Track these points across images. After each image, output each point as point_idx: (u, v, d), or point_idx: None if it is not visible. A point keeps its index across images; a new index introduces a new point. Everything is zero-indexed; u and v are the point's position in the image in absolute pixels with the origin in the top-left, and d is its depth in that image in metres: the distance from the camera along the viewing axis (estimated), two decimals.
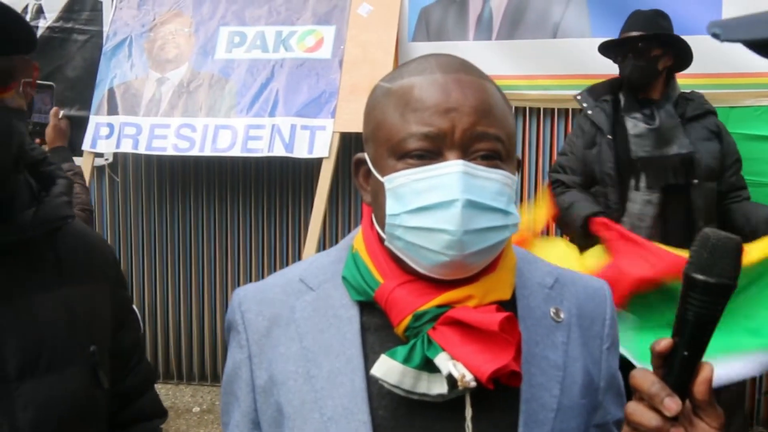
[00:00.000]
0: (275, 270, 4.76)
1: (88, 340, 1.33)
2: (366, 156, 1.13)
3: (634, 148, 3.27)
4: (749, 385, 3.99)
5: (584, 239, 3.20)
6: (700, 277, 0.90)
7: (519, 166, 1.14)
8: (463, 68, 1.08)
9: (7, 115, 1.21)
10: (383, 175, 1.07)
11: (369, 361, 1.09)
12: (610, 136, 3.34)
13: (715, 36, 0.94)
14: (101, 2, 5.03)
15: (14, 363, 1.22)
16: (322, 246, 4.61)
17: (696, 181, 3.20)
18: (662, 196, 3.24)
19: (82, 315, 1.33)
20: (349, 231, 4.98)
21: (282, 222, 4.90)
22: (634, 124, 3.30)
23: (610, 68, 3.56)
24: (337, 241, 5.09)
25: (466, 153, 1.03)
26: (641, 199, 3.28)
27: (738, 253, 0.91)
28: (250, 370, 1.16)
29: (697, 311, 0.91)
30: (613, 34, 3.54)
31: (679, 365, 0.92)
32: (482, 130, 1.03)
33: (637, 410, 0.93)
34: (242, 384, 1.17)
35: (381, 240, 1.11)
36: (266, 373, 1.15)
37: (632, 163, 3.28)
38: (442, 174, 1.01)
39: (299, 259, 4.61)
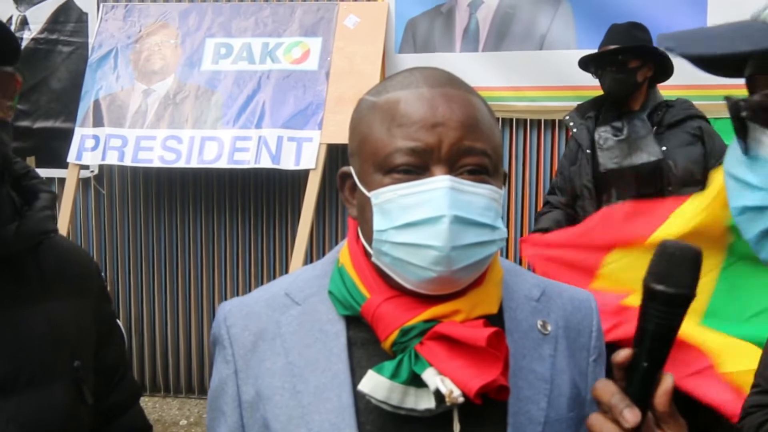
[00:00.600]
0: (263, 282, 4.74)
1: (72, 355, 1.32)
2: (351, 170, 1.12)
3: (603, 160, 3.33)
4: None
5: None
6: (658, 287, 0.89)
7: (506, 180, 1.14)
8: (450, 82, 1.08)
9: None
10: (369, 189, 1.06)
11: (356, 376, 1.08)
12: (588, 151, 3.39)
13: (669, 50, 0.93)
14: (87, 14, 5.02)
15: None
16: (309, 258, 4.59)
17: (670, 188, 3.21)
18: None
19: (65, 330, 1.32)
20: (337, 243, 4.97)
21: (269, 234, 4.88)
22: (604, 138, 3.35)
23: (595, 80, 3.58)
24: (324, 253, 5.06)
25: (453, 168, 1.02)
26: None
27: (696, 262, 0.90)
28: (236, 386, 1.16)
29: (656, 321, 0.90)
30: (598, 46, 3.57)
31: (640, 376, 0.91)
32: (469, 145, 1.03)
33: (597, 422, 0.92)
34: (228, 399, 1.16)
35: (367, 254, 1.11)
36: (252, 388, 1.14)
37: (603, 175, 3.34)
38: (428, 190, 1.01)
39: (286, 271, 4.59)
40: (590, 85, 3.61)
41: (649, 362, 0.91)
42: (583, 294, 1.24)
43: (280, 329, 1.15)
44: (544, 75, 4.28)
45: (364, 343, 1.11)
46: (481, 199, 1.03)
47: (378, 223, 1.04)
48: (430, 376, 1.01)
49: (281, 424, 1.10)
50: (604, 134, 3.36)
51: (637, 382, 0.91)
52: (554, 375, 1.13)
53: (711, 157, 3.27)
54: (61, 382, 1.29)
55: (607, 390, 0.91)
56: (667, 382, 0.91)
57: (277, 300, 1.18)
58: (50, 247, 1.35)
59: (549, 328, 1.15)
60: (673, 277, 0.89)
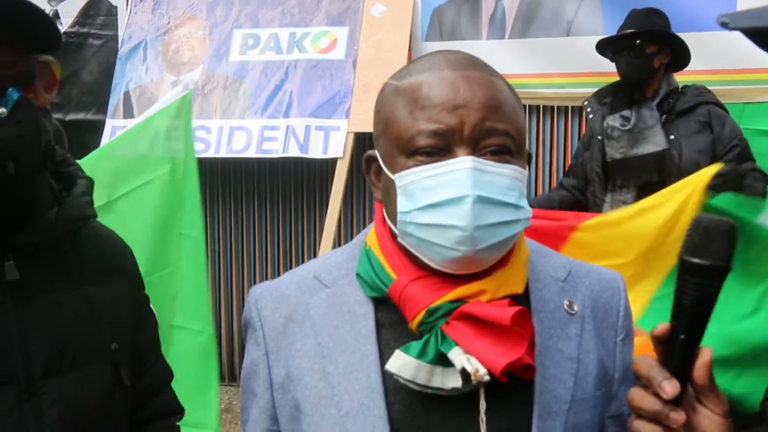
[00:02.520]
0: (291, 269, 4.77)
1: (110, 338, 1.35)
2: (377, 153, 1.14)
3: (609, 150, 3.33)
4: None
5: None
6: (693, 260, 0.91)
7: (530, 161, 1.15)
8: (472, 64, 1.09)
9: (35, 112, 1.23)
10: (394, 172, 1.07)
11: (384, 356, 1.10)
12: (600, 137, 3.39)
13: (724, 25, 0.94)
14: (116, 7, 5.08)
15: (40, 362, 1.25)
16: (337, 245, 4.61)
17: (673, 178, 3.18)
18: (639, 194, 3.24)
19: (103, 313, 1.36)
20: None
21: (297, 222, 4.92)
22: (612, 127, 3.35)
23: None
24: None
25: (476, 149, 1.04)
26: (616, 199, 3.34)
27: (731, 235, 0.91)
28: (267, 367, 1.18)
29: (692, 294, 0.91)
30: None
31: (678, 349, 0.92)
32: (491, 126, 1.04)
33: (637, 395, 0.93)
34: (260, 381, 1.19)
35: (393, 236, 1.13)
36: (283, 369, 1.16)
37: (610, 164, 3.35)
38: (451, 170, 1.02)
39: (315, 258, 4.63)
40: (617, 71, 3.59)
41: (686, 335, 0.92)
42: (610, 273, 1.24)
43: (309, 311, 1.16)
44: (571, 61, 4.26)
45: (392, 324, 1.12)
46: (504, 179, 1.04)
47: (402, 204, 1.06)
48: (456, 355, 1.03)
49: (311, 404, 1.12)
50: (612, 123, 3.35)
51: (676, 355, 0.92)
52: (581, 354, 1.13)
53: (718, 143, 3.24)
54: (99, 365, 1.33)
55: (646, 363, 0.93)
56: (705, 355, 0.92)
57: (306, 283, 1.20)
58: (88, 233, 1.39)
59: (576, 308, 1.16)
60: (709, 250, 0.90)
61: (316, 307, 1.17)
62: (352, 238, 4.81)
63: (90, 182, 1.39)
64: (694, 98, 3.32)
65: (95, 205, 1.35)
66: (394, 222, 1.09)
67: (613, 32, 3.56)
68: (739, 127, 3.31)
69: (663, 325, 0.93)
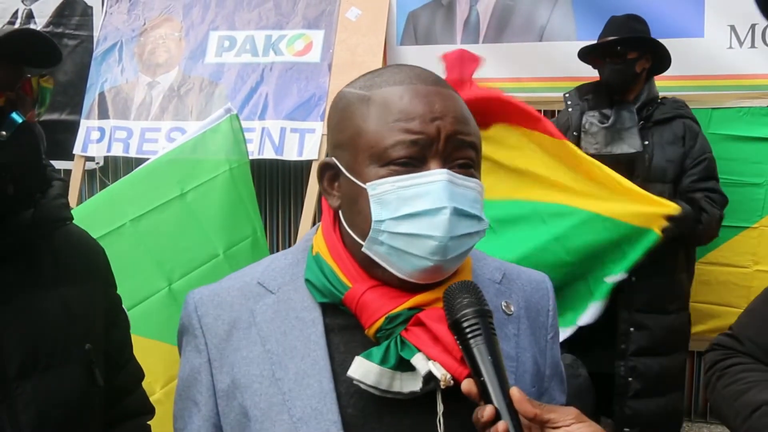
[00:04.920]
0: None
1: (84, 339, 1.36)
2: (336, 161, 1.15)
3: (584, 144, 3.37)
4: (687, 380, 3.99)
5: None
6: (451, 320, 1.05)
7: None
8: (438, 80, 1.14)
9: (37, 137, 1.26)
10: (364, 181, 1.09)
11: (335, 361, 1.12)
12: (576, 133, 3.43)
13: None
14: (91, 7, 5.05)
15: (15, 362, 1.25)
16: None
17: (638, 179, 3.25)
18: None
19: (78, 314, 1.36)
20: None
21: (272, 223, 4.92)
22: (590, 123, 3.39)
23: (594, 71, 3.61)
24: None
25: (447, 161, 1.07)
26: None
27: (464, 289, 1.06)
28: (210, 375, 1.17)
29: (464, 345, 1.03)
30: (598, 37, 3.60)
31: (481, 386, 1.01)
32: (462, 139, 1.08)
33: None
34: (202, 389, 1.18)
35: (346, 244, 1.14)
36: (228, 377, 1.15)
37: None
38: (428, 182, 1.05)
39: None
40: (590, 75, 3.64)
41: (477, 375, 1.02)
42: (539, 275, 1.31)
43: (254, 318, 1.16)
44: (544, 66, 4.30)
45: (342, 328, 1.14)
46: (471, 191, 1.08)
47: (376, 213, 1.07)
48: (419, 360, 1.06)
49: (261, 411, 1.12)
50: (591, 119, 3.40)
51: (484, 391, 1.02)
52: (519, 353, 1.18)
53: (689, 157, 3.32)
54: (74, 365, 1.33)
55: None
56: (515, 395, 1.01)
57: (249, 289, 1.19)
58: (62, 234, 1.39)
59: (512, 308, 1.21)
60: (451, 310, 1.06)
61: (262, 314, 1.17)
62: None
63: (64, 183, 1.40)
64: (672, 110, 3.39)
65: (169, 198, 1.36)
66: (360, 231, 1.10)
67: (586, 38, 3.62)
68: (709, 145, 3.39)
69: (467, 385, 1.03)
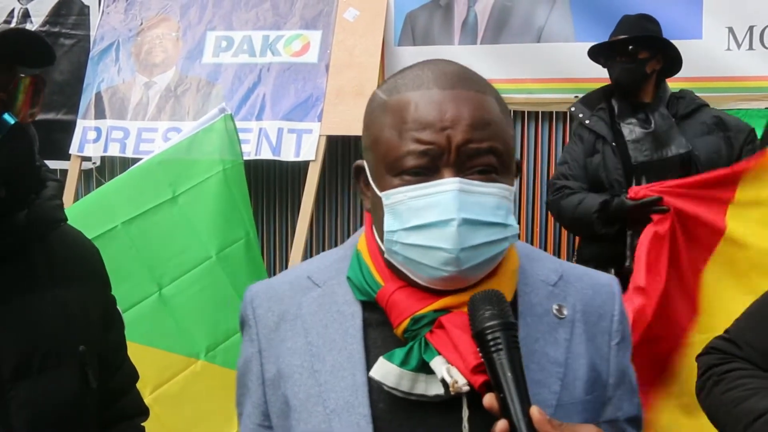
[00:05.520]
0: None
1: (79, 341, 1.35)
2: (365, 164, 1.15)
3: (633, 153, 3.29)
4: None
5: (601, 227, 3.19)
6: (475, 330, 1.02)
7: (519, 170, 1.16)
8: (461, 81, 1.09)
9: (30, 139, 1.25)
10: (381, 189, 1.09)
11: (371, 355, 1.12)
12: (614, 144, 3.35)
13: None
14: (88, 6, 5.04)
15: (9, 364, 1.25)
16: (309, 248, 4.63)
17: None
18: None
19: (72, 316, 1.36)
20: (337, 233, 5.00)
21: (269, 225, 4.91)
22: (630, 130, 3.32)
23: (593, 72, 3.60)
24: (324, 244, 5.07)
25: (462, 169, 1.05)
26: None
27: (487, 299, 1.04)
28: (260, 364, 1.21)
29: (487, 357, 1.01)
30: (596, 39, 3.58)
31: (502, 402, 0.99)
32: (476, 147, 1.05)
33: None
34: (253, 377, 1.22)
35: (380, 248, 1.14)
36: (274, 366, 1.18)
37: (634, 168, 3.30)
38: (437, 192, 1.04)
39: (286, 262, 4.63)
40: (588, 77, 3.64)
41: (499, 391, 1.00)
42: (605, 278, 1.25)
43: (300, 310, 1.19)
44: (542, 67, 4.30)
45: (379, 324, 1.14)
46: (490, 198, 1.05)
47: (389, 224, 1.07)
48: (437, 364, 1.05)
49: (299, 401, 1.14)
50: (631, 126, 3.33)
51: (505, 407, 0.99)
52: (569, 359, 1.14)
53: (734, 139, 3.25)
54: (68, 368, 1.33)
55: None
56: (535, 415, 0.98)
57: (299, 282, 1.22)
58: (58, 235, 1.38)
59: (565, 312, 1.17)
60: (475, 320, 1.03)
61: (307, 306, 1.19)
62: (324, 241, 4.84)
63: (59, 184, 1.39)
64: (692, 102, 3.36)
65: (161, 201, 1.34)
66: (381, 238, 1.11)
67: (584, 39, 3.61)
68: (739, 119, 3.33)
69: (489, 400, 1.00)
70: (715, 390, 1.59)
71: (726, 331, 1.67)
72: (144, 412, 1.59)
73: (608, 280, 1.25)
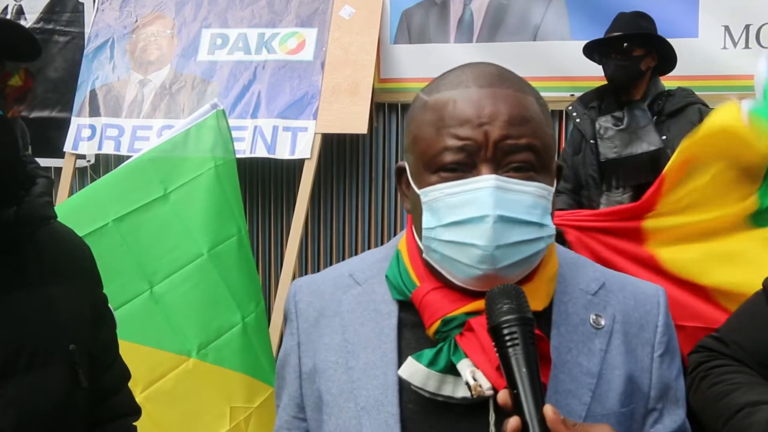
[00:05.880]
0: (258, 269, 4.76)
1: (68, 339, 1.34)
2: (406, 165, 1.16)
3: (603, 150, 3.36)
4: None
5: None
6: (491, 324, 0.99)
7: (561, 173, 1.15)
8: (500, 81, 1.10)
9: (14, 134, 1.25)
10: (420, 187, 1.09)
11: (404, 355, 1.12)
12: (592, 141, 3.41)
13: None
14: (83, 3, 5.03)
15: None
16: (303, 246, 4.62)
17: None
18: (635, 195, 3.26)
19: (63, 314, 1.35)
20: (332, 231, 5.00)
21: (264, 222, 4.91)
22: (604, 128, 3.38)
23: (589, 70, 3.60)
24: (318, 242, 5.06)
25: (500, 166, 1.05)
26: (611, 200, 3.36)
27: (505, 293, 1.00)
28: (298, 357, 1.23)
29: (499, 353, 0.98)
30: (592, 37, 3.58)
31: (515, 399, 0.96)
32: (513, 143, 1.05)
33: None
34: (290, 370, 1.24)
35: (418, 248, 1.14)
36: (311, 361, 1.20)
37: (604, 164, 3.37)
38: (474, 189, 1.04)
39: (281, 259, 4.62)
40: (583, 75, 3.64)
41: (512, 388, 0.97)
42: (651, 288, 1.22)
43: (340, 307, 1.20)
44: (538, 66, 4.29)
45: (415, 325, 1.14)
46: (527, 197, 1.05)
47: (427, 221, 1.07)
48: (463, 367, 1.04)
49: (332, 396, 1.16)
50: (604, 124, 3.38)
51: (517, 404, 0.97)
52: (604, 370, 1.12)
53: None
54: (57, 366, 1.31)
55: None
56: (549, 414, 0.95)
57: (341, 279, 1.24)
58: (47, 232, 1.37)
59: (603, 322, 1.15)
60: (491, 314, 1.00)
61: (346, 304, 1.21)
62: (318, 238, 4.83)
63: (49, 181, 1.38)
64: (682, 99, 3.37)
65: (152, 198, 1.31)
66: (420, 236, 1.11)
67: (580, 37, 3.61)
68: None
69: (503, 396, 0.98)
70: (701, 385, 1.61)
71: (716, 331, 1.69)
72: (136, 411, 1.58)
73: (654, 290, 1.22)
